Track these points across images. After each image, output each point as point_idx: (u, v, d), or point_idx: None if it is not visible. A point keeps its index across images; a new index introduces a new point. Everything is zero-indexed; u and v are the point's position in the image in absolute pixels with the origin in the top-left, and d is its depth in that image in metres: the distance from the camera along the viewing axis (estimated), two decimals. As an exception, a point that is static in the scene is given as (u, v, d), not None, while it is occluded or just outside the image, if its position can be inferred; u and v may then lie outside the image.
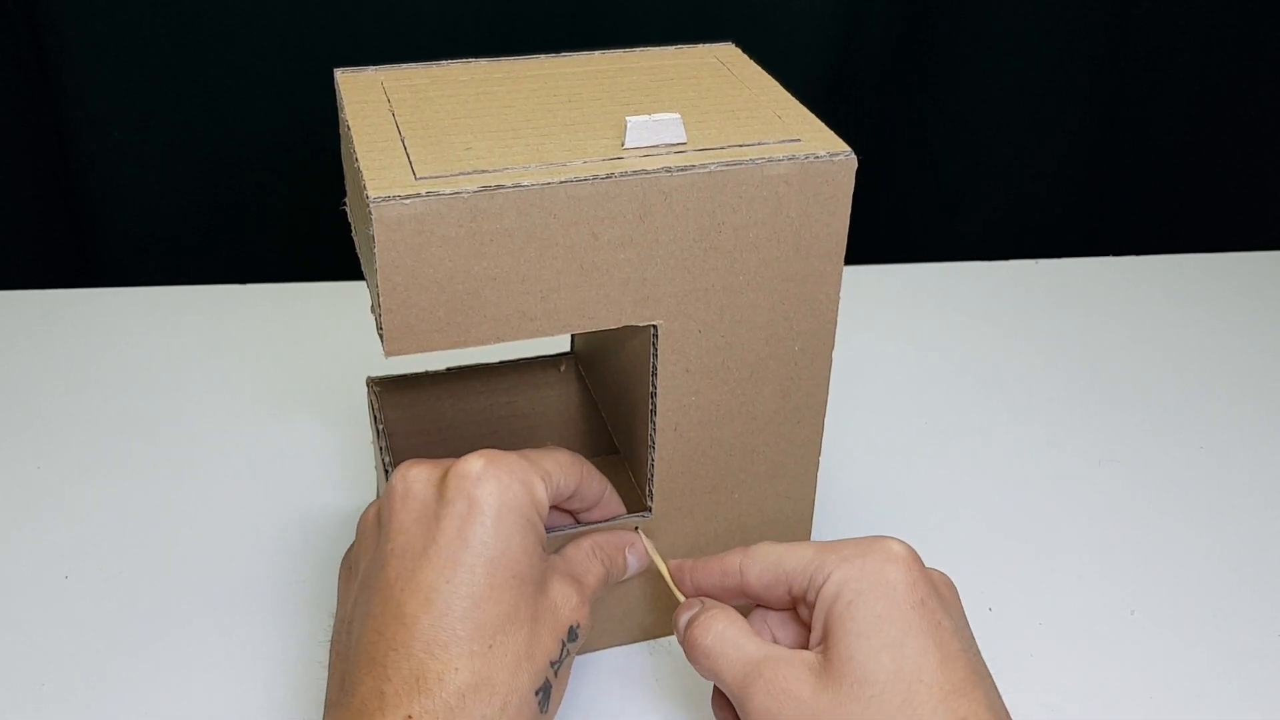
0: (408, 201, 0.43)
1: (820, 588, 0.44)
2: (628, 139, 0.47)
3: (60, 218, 1.00)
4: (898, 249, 1.06)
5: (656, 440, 0.52)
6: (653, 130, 0.47)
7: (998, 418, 0.76)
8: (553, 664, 0.45)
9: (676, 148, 0.48)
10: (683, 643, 0.48)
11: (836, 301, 0.52)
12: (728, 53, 0.58)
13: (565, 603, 0.46)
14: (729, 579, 0.48)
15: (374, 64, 0.56)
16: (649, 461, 0.53)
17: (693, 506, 0.55)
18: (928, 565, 0.46)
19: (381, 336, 0.46)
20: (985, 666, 0.45)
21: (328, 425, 0.74)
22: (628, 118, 0.47)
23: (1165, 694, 0.56)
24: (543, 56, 0.57)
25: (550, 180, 0.45)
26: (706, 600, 0.49)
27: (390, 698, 0.41)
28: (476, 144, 0.47)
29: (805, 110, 0.52)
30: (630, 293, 0.48)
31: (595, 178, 0.45)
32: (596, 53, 0.57)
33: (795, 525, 0.58)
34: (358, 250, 0.53)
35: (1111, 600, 0.61)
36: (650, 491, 0.54)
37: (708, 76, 0.55)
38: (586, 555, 0.51)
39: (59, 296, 0.88)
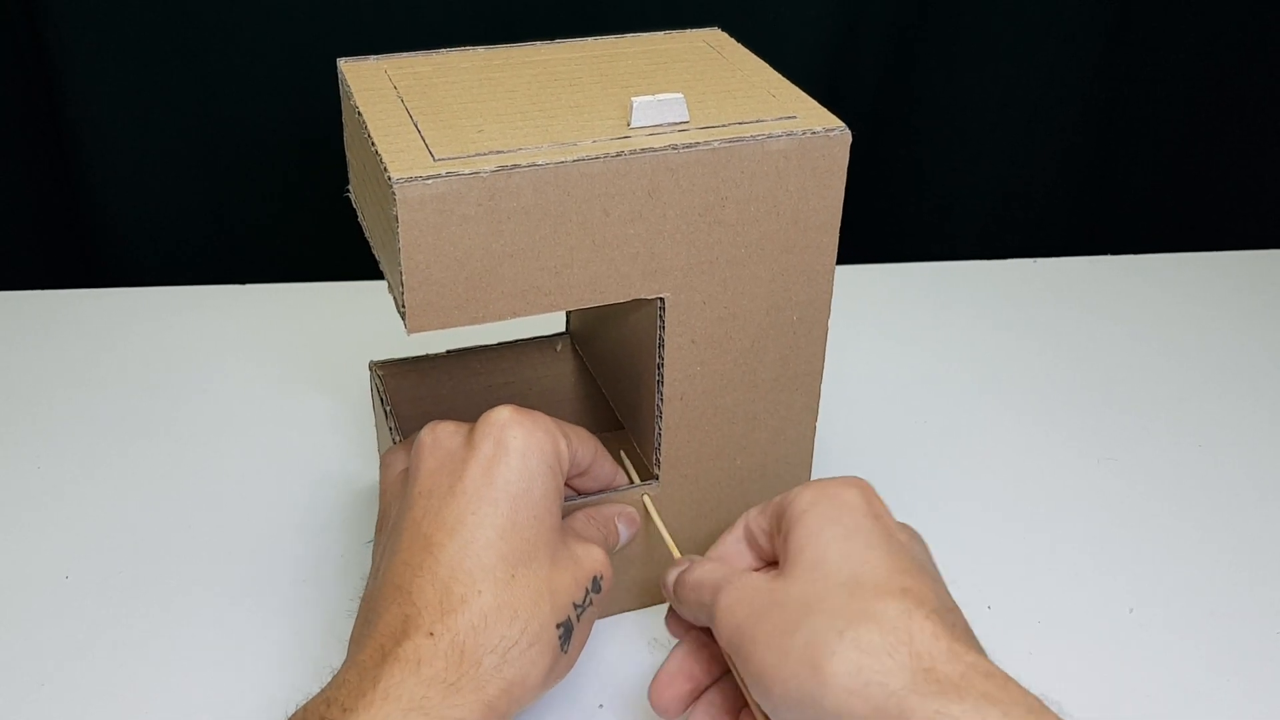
0: (429, 182, 0.45)
1: (787, 510, 0.46)
2: (634, 118, 0.49)
3: (61, 218, 1.00)
4: (895, 248, 1.06)
5: (663, 410, 0.54)
6: (657, 110, 0.49)
7: (996, 416, 0.76)
8: (575, 606, 0.46)
9: (680, 126, 0.49)
10: (673, 591, 0.50)
11: (832, 272, 0.54)
12: (716, 37, 0.60)
13: (587, 554, 0.48)
14: (738, 531, 0.50)
15: (381, 54, 0.57)
16: (655, 431, 0.55)
17: (698, 474, 0.57)
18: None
19: (403, 314, 0.47)
20: (940, 580, 0.45)
21: (329, 425, 0.74)
22: (633, 98, 0.49)
23: (1164, 692, 0.56)
24: (539, 44, 0.58)
25: (564, 159, 0.46)
26: (695, 557, 0.51)
27: (413, 619, 0.43)
28: (488, 126, 0.49)
29: (797, 89, 0.54)
30: (639, 267, 0.50)
31: (606, 156, 0.47)
32: (589, 39, 0.59)
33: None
34: (367, 234, 0.54)
35: (1110, 598, 0.61)
36: (658, 460, 0.56)
37: (699, 59, 0.57)
38: (584, 524, 0.52)
39: (59, 297, 0.88)
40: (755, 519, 0.49)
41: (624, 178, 0.47)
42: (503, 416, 0.47)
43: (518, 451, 0.46)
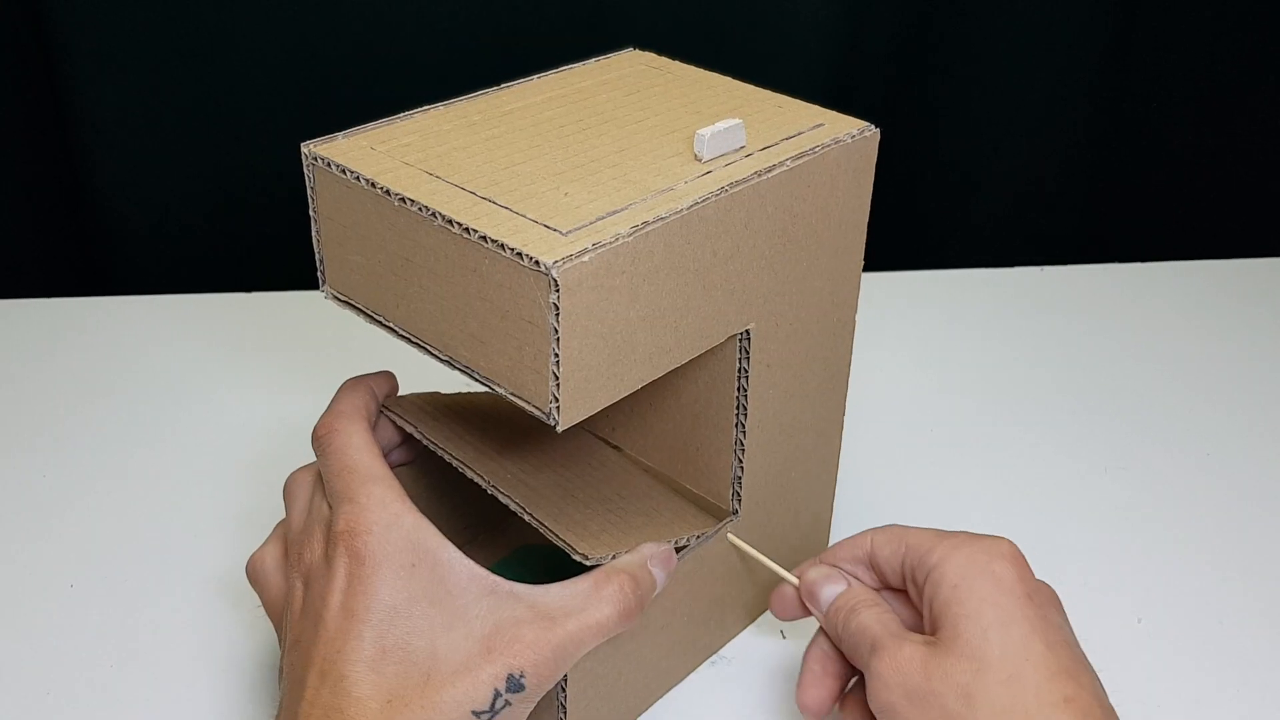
0: (585, 259, 0.40)
1: (930, 570, 0.47)
2: (705, 151, 0.47)
3: (65, 226, 1.00)
4: (901, 255, 1.02)
5: (746, 443, 0.53)
6: (724, 139, 0.48)
7: (1004, 424, 0.76)
8: (477, 714, 0.43)
9: (744, 151, 0.48)
10: (828, 615, 0.50)
11: (860, 270, 0.55)
12: (647, 58, 0.59)
13: (506, 647, 0.43)
14: (858, 549, 0.51)
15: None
16: (734, 466, 0.53)
17: (769, 498, 0.56)
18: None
19: (550, 411, 0.42)
20: (1090, 665, 0.45)
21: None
22: (698, 130, 0.47)
23: (1172, 702, 0.56)
24: (489, 92, 0.54)
25: (678, 206, 0.44)
26: (850, 579, 0.51)
27: None
28: (565, 187, 0.45)
29: (794, 99, 0.54)
30: (734, 301, 0.48)
31: (713, 195, 0.45)
32: (532, 79, 0.56)
33: (820, 504, 0.61)
34: (402, 332, 0.48)
35: (1119, 607, 0.61)
36: (737, 495, 0.54)
37: (664, 82, 0.56)
38: (586, 594, 0.46)
39: (64, 305, 0.87)
40: (884, 549, 0.50)
41: (729, 213, 0.46)
42: (349, 522, 0.44)
43: (374, 560, 0.43)
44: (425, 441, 0.51)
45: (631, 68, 0.57)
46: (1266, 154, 1.06)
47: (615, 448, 0.59)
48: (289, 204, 0.97)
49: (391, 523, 0.44)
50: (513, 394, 0.43)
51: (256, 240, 1.00)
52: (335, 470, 0.46)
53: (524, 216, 0.43)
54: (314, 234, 0.50)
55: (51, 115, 0.94)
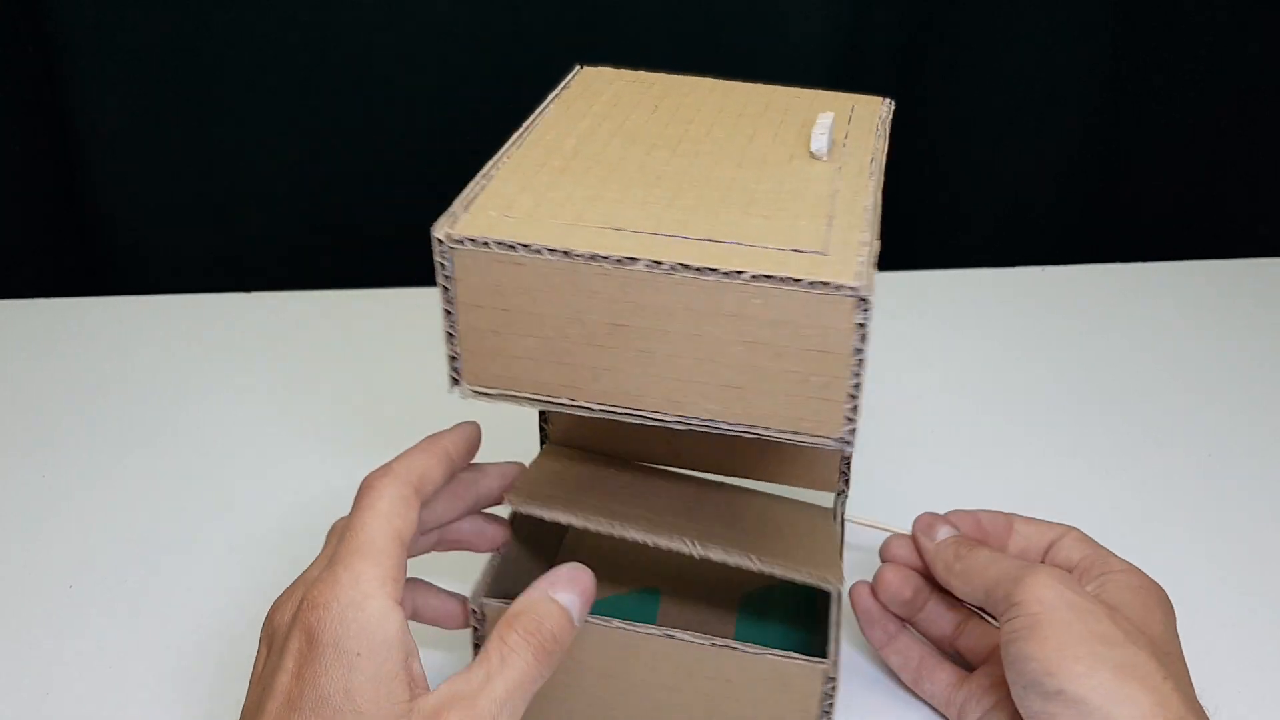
0: (871, 274, 0.39)
1: (1116, 572, 0.52)
2: (825, 148, 0.47)
3: (66, 226, 1.00)
4: (904, 256, 1.05)
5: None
6: (829, 132, 0.48)
7: (1005, 425, 0.76)
8: None
9: (840, 144, 0.49)
10: (945, 553, 0.55)
11: None
12: (610, 73, 0.56)
13: None
14: (1047, 532, 0.56)
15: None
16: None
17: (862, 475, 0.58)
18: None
19: (844, 436, 0.41)
20: None
21: (336, 433, 0.73)
22: (814, 130, 0.47)
23: None
24: (525, 135, 0.49)
25: (864, 205, 0.43)
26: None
27: None
28: (752, 210, 0.43)
29: (801, 89, 0.55)
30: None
31: (868, 189, 0.45)
32: (543, 113, 0.51)
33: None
34: (632, 407, 0.43)
35: None
36: (845, 476, 0.57)
37: (664, 94, 0.54)
38: (497, 653, 0.43)
39: (64, 305, 0.87)
40: (1074, 542, 0.55)
41: (876, 203, 0.45)
42: (316, 594, 0.41)
43: (322, 642, 0.40)
44: (597, 527, 0.49)
45: (615, 84, 0.55)
46: (1266, 154, 1.06)
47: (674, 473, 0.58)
48: (289, 204, 0.98)
49: (357, 602, 0.41)
50: (784, 433, 0.42)
51: (256, 240, 1.00)
52: (345, 528, 0.44)
53: (765, 247, 0.40)
54: (448, 329, 0.44)
55: (52, 115, 0.94)
